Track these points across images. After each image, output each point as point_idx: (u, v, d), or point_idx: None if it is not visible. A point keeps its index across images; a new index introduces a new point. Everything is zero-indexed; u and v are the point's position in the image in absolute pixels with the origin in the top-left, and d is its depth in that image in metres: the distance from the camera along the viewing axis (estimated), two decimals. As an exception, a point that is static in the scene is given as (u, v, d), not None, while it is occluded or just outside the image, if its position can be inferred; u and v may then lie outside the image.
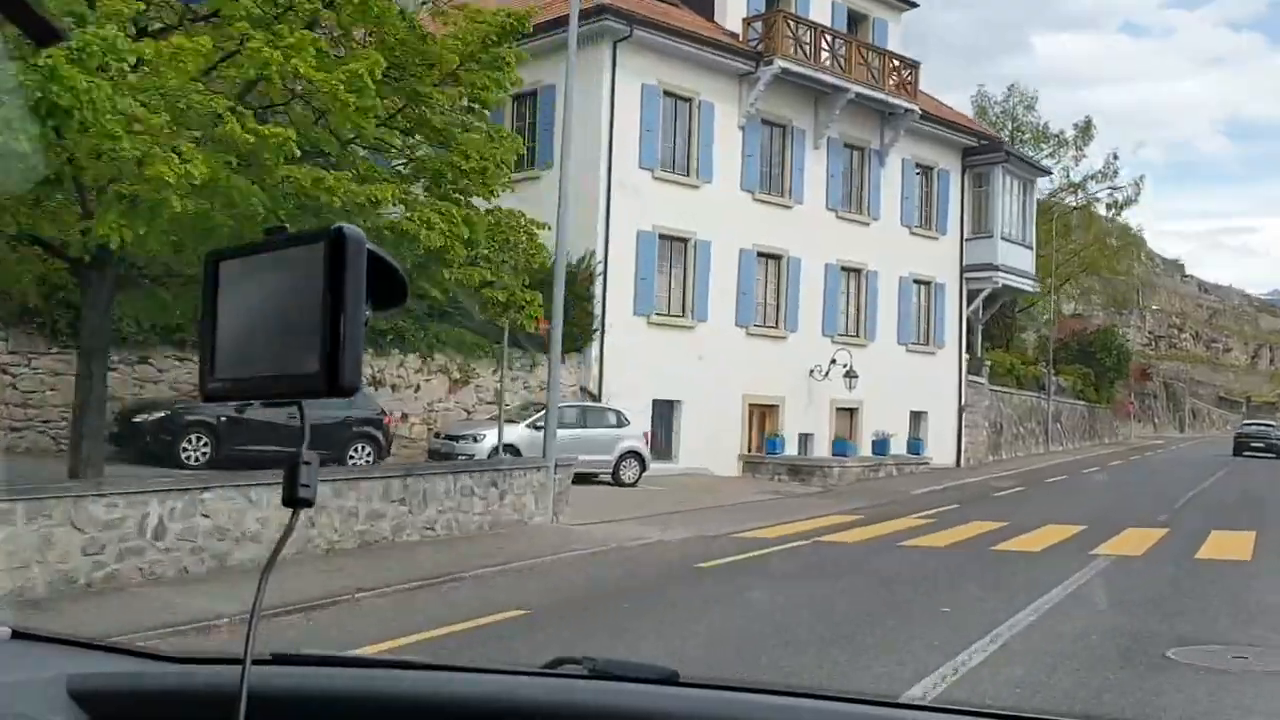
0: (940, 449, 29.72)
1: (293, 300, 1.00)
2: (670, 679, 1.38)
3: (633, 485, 19.70)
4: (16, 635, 1.59)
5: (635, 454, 20.15)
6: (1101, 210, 46.67)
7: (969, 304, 30.96)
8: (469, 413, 20.55)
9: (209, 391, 1.08)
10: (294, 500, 1.03)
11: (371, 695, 1.44)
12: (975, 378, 31.50)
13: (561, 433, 15.66)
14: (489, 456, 16.75)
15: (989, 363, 33.00)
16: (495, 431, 17.14)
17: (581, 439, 18.38)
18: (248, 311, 1.05)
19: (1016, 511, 17.65)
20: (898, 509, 18.07)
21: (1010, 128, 46.40)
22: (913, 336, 29.24)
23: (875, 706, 1.39)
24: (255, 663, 1.13)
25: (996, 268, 30.51)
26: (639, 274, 22.57)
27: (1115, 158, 47.78)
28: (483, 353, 20.33)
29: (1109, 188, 47.21)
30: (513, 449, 17.48)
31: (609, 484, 19.44)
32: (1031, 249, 32.56)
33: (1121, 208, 46.50)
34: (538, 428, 16.84)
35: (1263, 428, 50.87)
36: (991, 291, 31.04)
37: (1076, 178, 46.31)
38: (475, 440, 17.97)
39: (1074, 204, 46.91)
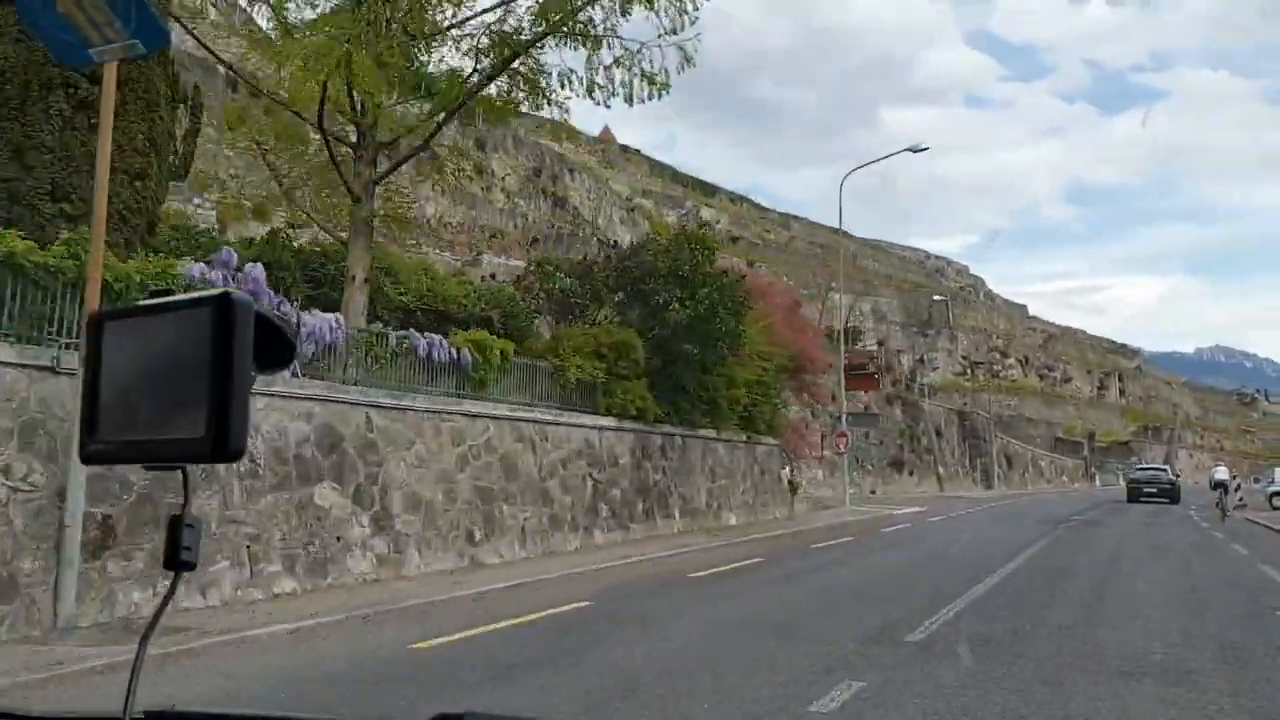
0: None
1: (178, 364, 0.97)
2: None
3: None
4: None
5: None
6: None
7: None
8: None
9: (89, 454, 1.02)
10: (176, 564, 1.01)
11: None
12: None
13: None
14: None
15: None
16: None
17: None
18: (132, 373, 1.01)
19: None
20: None
21: None
22: None
23: None
24: None
25: None
26: None
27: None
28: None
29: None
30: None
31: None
32: None
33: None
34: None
35: (1154, 472, 47.21)
36: None
37: None
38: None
39: None
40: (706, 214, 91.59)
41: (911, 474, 45.88)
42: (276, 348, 1.01)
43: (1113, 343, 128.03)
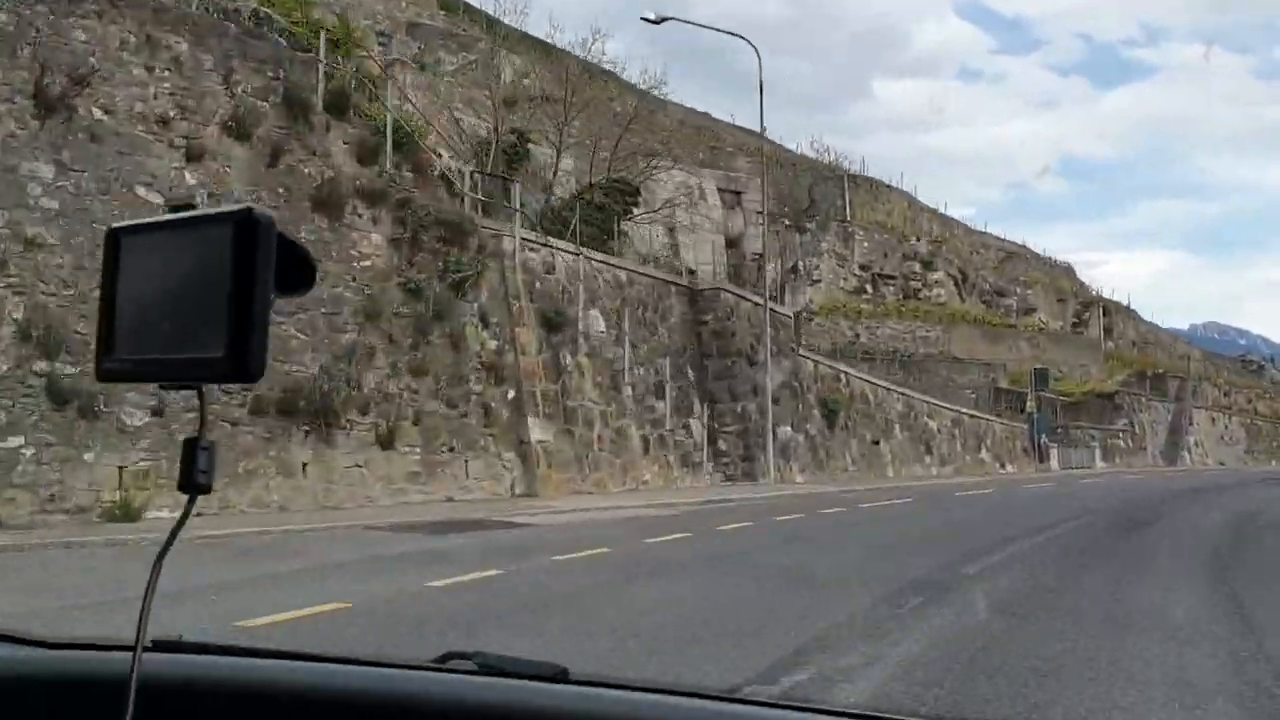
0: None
1: (197, 281, 0.95)
2: (560, 676, 1.33)
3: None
4: None
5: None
6: None
7: None
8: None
9: (105, 371, 1.00)
10: (192, 486, 0.97)
11: (255, 685, 1.38)
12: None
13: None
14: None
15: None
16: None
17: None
18: (149, 290, 0.99)
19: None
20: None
21: None
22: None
23: (766, 709, 1.33)
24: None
25: None
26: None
27: None
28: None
29: None
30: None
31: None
32: None
33: None
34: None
35: None
36: None
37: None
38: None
39: None
40: (509, 66, 57.54)
41: (411, 447, 13.73)
42: (297, 269, 0.97)
43: (1118, 303, 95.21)
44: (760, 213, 59.58)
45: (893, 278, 61.51)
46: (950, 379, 52.29)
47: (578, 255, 18.60)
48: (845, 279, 59.27)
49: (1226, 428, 54.58)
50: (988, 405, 48.86)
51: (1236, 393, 60.98)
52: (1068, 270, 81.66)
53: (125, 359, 0.98)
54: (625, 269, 20.21)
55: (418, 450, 14.33)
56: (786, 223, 58.90)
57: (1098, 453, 40.90)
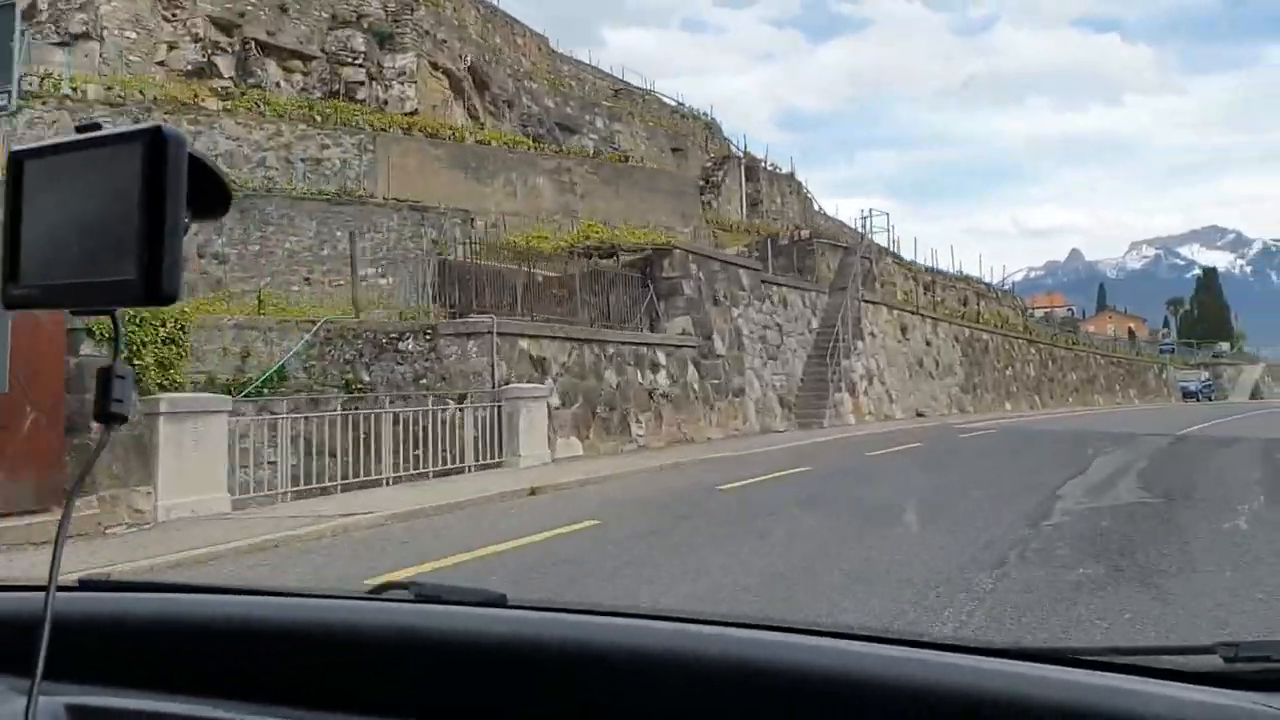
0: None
1: (107, 203, 0.92)
2: (498, 602, 1.33)
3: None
4: None
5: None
6: None
7: None
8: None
9: (12, 298, 0.97)
10: (107, 416, 0.94)
11: (185, 621, 1.35)
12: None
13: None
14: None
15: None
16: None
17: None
18: (57, 214, 0.96)
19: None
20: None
21: None
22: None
23: (710, 626, 1.25)
24: (61, 589, 1.03)
25: None
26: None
27: None
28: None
29: None
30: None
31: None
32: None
33: None
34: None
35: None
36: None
37: None
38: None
39: None
40: None
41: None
42: (212, 193, 0.94)
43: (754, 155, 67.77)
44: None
45: (305, 57, 30.98)
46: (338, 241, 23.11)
47: None
48: (176, 44, 28.11)
49: (930, 343, 28.49)
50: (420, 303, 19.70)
51: (946, 287, 35.12)
52: (709, 126, 54.37)
53: (33, 285, 0.93)
54: None
55: None
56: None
57: (536, 415, 12.32)
